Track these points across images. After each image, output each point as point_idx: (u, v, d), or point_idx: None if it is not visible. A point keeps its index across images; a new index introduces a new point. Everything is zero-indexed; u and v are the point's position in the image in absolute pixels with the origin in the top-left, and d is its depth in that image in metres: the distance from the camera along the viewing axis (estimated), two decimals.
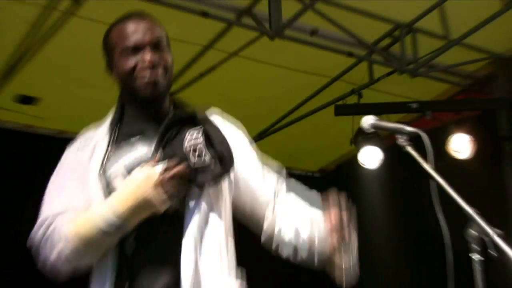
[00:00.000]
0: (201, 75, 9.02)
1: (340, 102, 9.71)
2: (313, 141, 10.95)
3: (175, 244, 3.15)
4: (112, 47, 3.41)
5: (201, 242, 3.19)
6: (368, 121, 3.83)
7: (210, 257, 3.21)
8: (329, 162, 11.98)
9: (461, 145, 9.46)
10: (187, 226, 3.17)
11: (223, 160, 3.24)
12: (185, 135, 3.23)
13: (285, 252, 3.52)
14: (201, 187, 3.19)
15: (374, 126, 3.85)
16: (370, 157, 9.65)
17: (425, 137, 3.67)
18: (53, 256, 3.11)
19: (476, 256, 3.22)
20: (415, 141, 3.75)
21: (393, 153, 9.17)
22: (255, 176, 3.62)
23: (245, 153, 3.68)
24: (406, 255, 10.20)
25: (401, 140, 3.71)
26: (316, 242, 3.42)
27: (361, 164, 9.76)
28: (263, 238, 3.59)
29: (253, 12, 8.08)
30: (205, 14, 7.66)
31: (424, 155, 3.65)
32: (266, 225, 3.59)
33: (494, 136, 9.75)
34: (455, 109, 9.85)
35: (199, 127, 3.27)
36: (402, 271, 10.18)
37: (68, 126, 9.64)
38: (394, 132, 3.77)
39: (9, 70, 8.46)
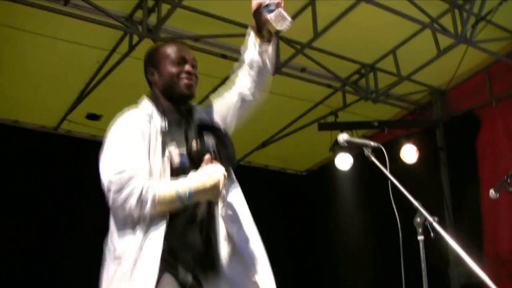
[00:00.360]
0: None
1: (322, 121, 9.63)
2: (301, 148, 10.77)
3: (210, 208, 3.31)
4: (162, 57, 3.47)
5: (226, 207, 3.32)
6: (343, 137, 3.82)
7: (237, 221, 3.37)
8: (314, 164, 11.75)
9: (409, 153, 9.29)
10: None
11: (231, 157, 3.37)
12: (204, 136, 3.32)
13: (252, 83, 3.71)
14: None
15: (347, 142, 3.84)
16: (344, 161, 9.49)
17: (383, 150, 3.66)
18: (135, 205, 3.01)
19: (420, 237, 3.21)
20: (376, 152, 3.74)
21: (360, 159, 9.09)
22: (223, 101, 3.70)
23: (216, 103, 3.69)
24: (369, 236, 10.02)
25: (367, 152, 3.70)
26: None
27: (337, 167, 9.62)
28: (244, 99, 3.71)
29: None
30: (224, 56, 7.67)
31: (383, 163, 3.62)
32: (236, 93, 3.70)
33: (433, 147, 9.69)
34: (405, 126, 9.77)
35: (211, 132, 3.36)
36: (366, 251, 10.03)
37: None
38: (362, 146, 3.76)
39: (82, 95, 8.43)
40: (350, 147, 9.31)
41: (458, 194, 9.22)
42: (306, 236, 11.14)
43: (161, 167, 3.19)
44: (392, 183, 3.59)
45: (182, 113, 3.44)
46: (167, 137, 3.27)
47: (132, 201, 3.01)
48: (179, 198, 3.05)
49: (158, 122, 3.32)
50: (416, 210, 3.31)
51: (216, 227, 3.30)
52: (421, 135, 9.64)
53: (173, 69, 3.43)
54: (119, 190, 3.05)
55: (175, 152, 3.25)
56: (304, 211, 11.15)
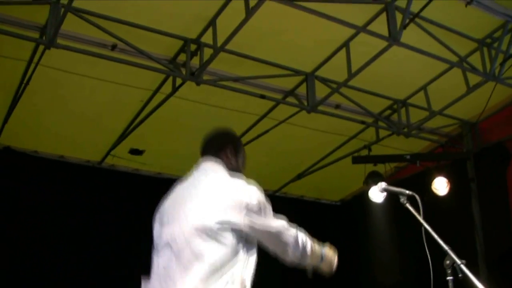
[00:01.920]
0: (259, 136, 9.25)
1: (355, 154, 9.90)
2: (336, 180, 11.04)
3: None
4: (243, 150, 4.14)
5: None
6: (382, 186, 4.17)
7: None
8: (347, 194, 11.99)
9: (440, 185, 9.49)
10: None
11: None
12: None
13: None
14: None
15: (385, 189, 4.18)
16: (377, 194, 9.54)
17: (418, 197, 3.98)
18: (300, 253, 3.82)
19: (449, 278, 3.51)
20: (411, 199, 4.06)
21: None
22: None
23: None
24: (397, 271, 10.17)
25: (402, 199, 4.03)
26: None
27: (370, 199, 9.79)
28: None
29: (296, 93, 8.45)
30: (262, 97, 8.05)
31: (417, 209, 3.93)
32: None
33: (464, 179, 9.88)
34: (436, 159, 9.99)
35: None
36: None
37: (163, 169, 10.08)
38: (398, 194, 4.09)
39: (125, 132, 8.83)
40: (383, 179, 9.58)
41: (489, 225, 9.35)
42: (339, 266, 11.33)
43: None
44: (425, 229, 3.79)
45: None
46: None
47: (296, 243, 3.75)
48: (320, 256, 3.99)
49: None
50: (445, 253, 3.54)
51: None
52: (452, 167, 9.85)
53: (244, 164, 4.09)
54: (291, 233, 3.73)
55: None
56: (338, 241, 11.34)
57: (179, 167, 9.87)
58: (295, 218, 10.65)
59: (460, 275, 3.46)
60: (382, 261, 10.44)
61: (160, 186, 9.73)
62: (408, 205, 4.01)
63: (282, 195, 11.35)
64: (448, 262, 3.52)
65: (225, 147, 4.02)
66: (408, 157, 9.59)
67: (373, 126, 9.46)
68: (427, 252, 3.79)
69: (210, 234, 3.45)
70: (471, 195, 9.85)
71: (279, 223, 3.69)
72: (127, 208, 9.45)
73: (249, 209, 3.52)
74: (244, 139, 9.24)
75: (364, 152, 9.86)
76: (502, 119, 9.70)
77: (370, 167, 9.83)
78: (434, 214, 9.61)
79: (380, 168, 9.92)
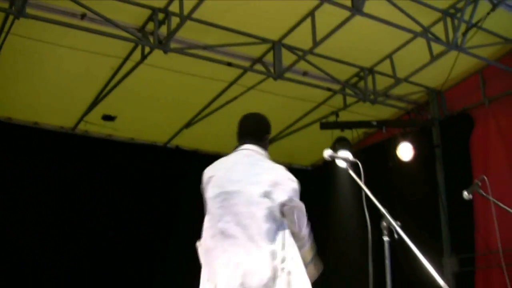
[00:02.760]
0: (228, 102, 9.47)
1: (323, 120, 10.17)
2: (306, 145, 11.27)
3: None
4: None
5: None
6: (327, 153, 4.43)
7: None
8: (318, 159, 12.24)
9: (405, 151, 9.77)
10: None
11: None
12: None
13: None
14: None
15: (331, 156, 4.44)
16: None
17: (360, 164, 4.24)
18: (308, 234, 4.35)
19: (385, 238, 3.78)
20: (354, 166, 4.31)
21: (359, 157, 9.53)
22: None
23: None
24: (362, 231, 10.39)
25: (346, 165, 4.30)
26: None
27: (337, 164, 9.90)
28: None
29: (263, 61, 8.64)
30: (229, 64, 8.25)
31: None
32: None
33: (429, 145, 10.18)
34: (402, 125, 10.23)
35: None
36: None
37: (136, 135, 10.30)
38: (343, 160, 4.36)
39: (97, 99, 9.01)
40: (349, 145, 9.85)
41: (453, 189, 9.60)
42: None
43: None
44: (365, 193, 4.08)
45: None
46: None
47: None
48: (311, 257, 4.36)
49: None
50: (383, 215, 3.80)
51: None
52: (418, 133, 10.13)
53: None
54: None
55: None
56: (310, 205, 11.61)
57: (151, 133, 10.21)
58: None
59: (396, 236, 3.72)
60: (347, 226, 10.64)
61: (133, 151, 10.06)
62: (350, 171, 4.24)
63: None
64: (385, 224, 3.79)
65: (265, 136, 4.67)
66: (374, 123, 9.87)
67: (340, 93, 9.69)
68: (366, 216, 4.02)
69: (270, 208, 4.06)
70: (435, 160, 10.18)
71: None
72: (101, 173, 9.68)
73: (297, 194, 4.26)
74: (213, 106, 9.50)
75: (332, 118, 10.11)
76: (467, 87, 10.02)
77: (338, 133, 10.06)
78: (399, 178, 9.98)
79: (348, 134, 10.16)
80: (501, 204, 5.86)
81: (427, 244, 9.57)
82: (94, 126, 9.70)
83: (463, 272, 9.61)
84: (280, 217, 4.10)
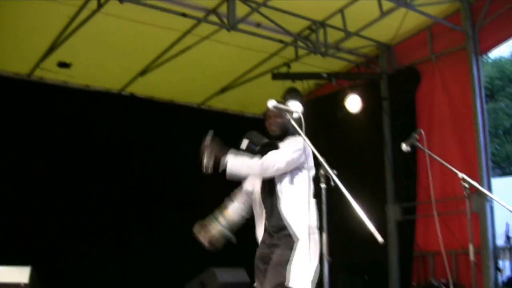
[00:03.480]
0: (182, 51, 9.61)
1: (275, 71, 10.40)
2: (258, 95, 11.44)
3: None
4: None
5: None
6: (272, 103, 4.72)
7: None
8: None
9: (353, 103, 10.10)
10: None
11: None
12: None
13: None
14: None
15: (275, 107, 4.73)
16: (294, 108, 10.00)
17: (302, 116, 4.54)
18: None
19: (322, 185, 4.12)
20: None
21: (310, 107, 9.84)
22: None
23: None
24: None
25: (289, 116, 4.60)
26: None
27: None
28: None
29: (217, 11, 8.83)
30: (183, 15, 8.43)
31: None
32: None
33: (377, 98, 10.56)
34: (351, 78, 10.51)
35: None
36: None
37: (91, 82, 10.45)
38: (285, 111, 4.66)
39: (53, 46, 9.07)
40: (299, 95, 10.14)
41: (398, 141, 9.94)
42: None
43: None
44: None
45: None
46: None
47: None
48: None
49: None
50: (320, 164, 4.13)
51: None
52: (367, 86, 10.44)
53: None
54: None
55: None
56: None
57: (106, 80, 10.38)
58: (219, 131, 11.31)
59: (332, 184, 4.06)
60: None
61: (88, 98, 10.24)
62: (293, 122, 4.53)
63: (206, 108, 11.87)
64: (322, 172, 4.12)
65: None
66: (325, 75, 10.17)
67: (292, 46, 9.94)
68: (319, 158, 4.33)
69: None
70: (382, 113, 10.59)
71: None
72: (55, 119, 9.84)
73: None
74: (168, 55, 9.69)
75: (284, 69, 10.34)
76: (415, 43, 10.40)
77: (289, 83, 10.32)
78: (347, 129, 10.36)
79: (299, 85, 10.44)
80: (435, 156, 6.23)
81: (372, 192, 10.18)
82: (50, 73, 9.75)
83: (405, 219, 10.11)
84: None
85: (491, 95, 22.25)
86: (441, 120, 9.87)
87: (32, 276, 6.62)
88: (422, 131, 6.08)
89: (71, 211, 9.80)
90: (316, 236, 4.61)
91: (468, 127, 9.41)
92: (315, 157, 4.47)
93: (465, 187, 5.75)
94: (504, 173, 22.85)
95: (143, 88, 10.78)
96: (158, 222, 10.67)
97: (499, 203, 6.23)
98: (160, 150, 10.98)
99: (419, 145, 6.06)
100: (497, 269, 8.76)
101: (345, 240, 7.41)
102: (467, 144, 9.45)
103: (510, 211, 6.85)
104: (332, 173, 4.04)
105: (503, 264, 8.79)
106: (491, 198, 8.97)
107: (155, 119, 10.91)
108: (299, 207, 4.70)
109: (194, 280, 7.58)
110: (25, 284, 6.50)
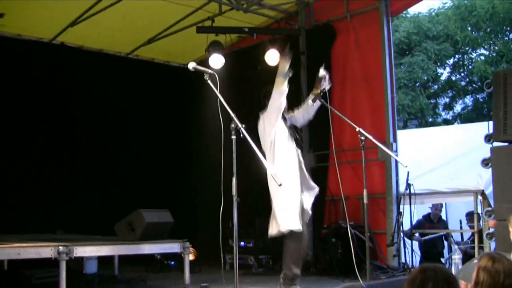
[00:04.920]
0: (112, 4, 10.04)
1: (200, 24, 10.89)
2: (184, 47, 12.11)
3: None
4: None
5: None
6: (192, 65, 5.35)
7: None
8: (195, 59, 12.85)
9: (272, 57, 10.69)
10: None
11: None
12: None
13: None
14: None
15: (194, 68, 5.36)
16: (216, 61, 10.35)
17: (217, 76, 5.17)
18: None
19: (233, 137, 4.79)
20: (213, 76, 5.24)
21: (231, 58, 10.43)
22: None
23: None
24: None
25: (206, 76, 5.24)
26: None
27: (210, 65, 10.36)
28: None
29: None
30: None
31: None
32: None
33: (295, 52, 11.08)
34: (271, 33, 11.15)
35: None
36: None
37: (23, 31, 10.80)
38: (204, 72, 5.29)
39: None
40: (222, 48, 10.70)
41: None
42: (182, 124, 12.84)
43: None
44: (220, 102, 5.04)
45: None
46: None
47: None
48: None
49: None
50: (232, 118, 4.80)
51: None
52: (286, 41, 10.76)
53: None
54: None
55: None
56: (185, 103, 12.61)
57: (38, 30, 10.73)
58: (147, 79, 11.94)
59: (241, 135, 4.75)
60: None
61: (19, 47, 10.59)
62: (209, 81, 5.17)
63: (135, 57, 12.38)
64: (233, 125, 4.79)
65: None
66: (246, 30, 10.77)
67: (215, 2, 10.48)
68: (221, 120, 5.01)
69: None
70: (300, 66, 11.25)
71: None
72: None
73: None
74: (98, 7, 10.10)
75: (208, 23, 10.82)
76: (332, 1, 11.12)
77: (212, 37, 10.88)
78: (266, 80, 11.08)
79: (222, 38, 11.00)
80: (336, 111, 7.04)
81: None
82: None
83: (319, 166, 10.95)
84: None
85: (408, 50, 23.15)
86: (354, 75, 10.65)
87: None
88: (327, 90, 6.85)
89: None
90: None
91: (378, 83, 10.21)
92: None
93: (361, 139, 6.48)
94: (420, 124, 23.97)
95: (73, 38, 11.18)
96: (89, 167, 11.29)
97: (389, 153, 7.10)
98: (90, 96, 11.49)
99: (324, 102, 6.82)
100: (399, 212, 9.67)
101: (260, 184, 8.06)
102: (376, 98, 10.27)
103: (398, 161, 7.72)
104: (242, 127, 4.72)
105: (403, 208, 9.62)
106: (396, 148, 9.93)
107: (85, 68, 11.36)
108: None
109: (122, 220, 8.16)
110: None
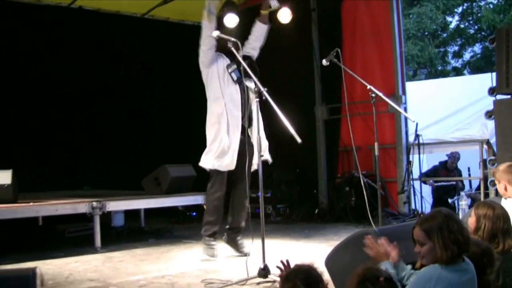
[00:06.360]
0: None
1: None
2: (198, 4, 12.35)
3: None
4: None
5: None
6: (216, 33, 5.86)
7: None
8: None
9: (285, 15, 11.10)
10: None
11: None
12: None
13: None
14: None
15: (218, 36, 5.90)
16: (231, 20, 10.79)
17: (240, 44, 5.67)
18: None
19: (256, 99, 5.29)
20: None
21: (245, 15, 10.86)
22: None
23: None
24: None
25: (230, 45, 5.72)
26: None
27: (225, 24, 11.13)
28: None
29: None
30: None
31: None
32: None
33: (306, 9, 11.66)
34: None
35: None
36: None
37: None
38: (227, 41, 5.77)
39: None
40: (236, 7, 11.10)
41: (325, 49, 10.64)
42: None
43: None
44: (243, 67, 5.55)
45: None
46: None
47: None
48: None
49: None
50: (254, 81, 5.29)
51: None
52: None
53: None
54: None
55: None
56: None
57: None
58: (162, 38, 12.28)
59: (264, 98, 5.25)
60: None
61: (39, 11, 10.99)
62: (233, 49, 5.66)
63: (150, 17, 12.77)
64: (255, 88, 5.29)
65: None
66: None
67: None
68: (244, 85, 5.50)
69: None
70: (311, 23, 11.73)
71: None
72: (8, 32, 10.70)
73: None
74: None
75: None
76: None
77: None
78: (279, 38, 11.55)
79: None
80: (349, 71, 7.49)
81: (303, 95, 11.46)
82: None
83: (331, 119, 11.50)
84: None
85: (417, 0, 23.37)
86: (363, 30, 11.09)
87: (13, 178, 7.59)
88: (339, 50, 7.29)
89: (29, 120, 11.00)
90: None
91: (386, 37, 10.66)
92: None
93: (371, 96, 6.96)
94: (430, 73, 24.29)
95: (90, 1, 11.60)
96: (111, 124, 11.89)
97: (399, 110, 7.61)
98: (109, 57, 11.97)
99: (337, 61, 7.29)
100: (408, 162, 10.22)
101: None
102: (386, 52, 10.73)
103: (407, 117, 8.21)
104: (264, 90, 5.22)
105: (412, 157, 10.16)
106: (405, 100, 10.42)
107: (102, 30, 11.84)
108: None
109: (149, 176, 8.74)
110: (8, 185, 7.49)
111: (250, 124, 6.81)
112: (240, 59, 5.68)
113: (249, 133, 6.76)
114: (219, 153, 6.69)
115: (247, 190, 6.51)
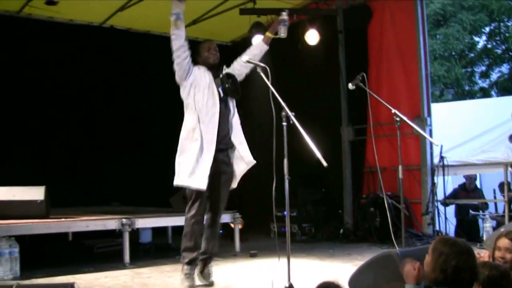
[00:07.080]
0: None
1: (242, 6, 11.58)
2: (226, 26, 12.85)
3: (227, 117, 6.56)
4: (202, 49, 6.89)
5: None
6: (245, 58, 6.08)
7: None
8: (236, 37, 13.92)
9: (312, 37, 11.35)
10: (230, 112, 6.61)
11: (238, 91, 6.68)
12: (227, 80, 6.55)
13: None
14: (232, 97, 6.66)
15: (248, 61, 6.10)
16: (258, 39, 11.15)
17: (266, 68, 5.86)
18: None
19: (284, 124, 5.45)
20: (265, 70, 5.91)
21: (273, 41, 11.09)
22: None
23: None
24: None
25: (259, 70, 5.91)
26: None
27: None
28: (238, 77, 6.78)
29: None
30: None
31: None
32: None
33: (333, 31, 11.93)
34: (310, 13, 11.74)
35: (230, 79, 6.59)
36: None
37: (75, 17, 11.62)
38: (256, 65, 5.97)
39: None
40: (263, 29, 11.33)
41: (352, 70, 11.18)
42: None
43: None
44: (272, 93, 5.71)
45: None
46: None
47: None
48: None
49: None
50: (282, 106, 5.46)
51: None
52: (324, 21, 11.67)
53: (206, 53, 6.80)
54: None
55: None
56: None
57: (88, 15, 11.49)
58: (191, 57, 12.46)
59: (291, 122, 5.41)
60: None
61: (72, 31, 11.37)
62: (261, 73, 5.84)
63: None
64: (283, 113, 5.46)
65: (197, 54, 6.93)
66: (286, 11, 11.32)
67: None
68: (272, 108, 5.66)
69: None
70: (338, 44, 11.95)
71: None
72: (43, 51, 11.10)
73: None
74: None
75: (250, 5, 11.53)
76: None
77: (254, 18, 11.55)
78: (307, 59, 11.72)
79: (264, 18, 11.66)
80: (374, 95, 7.67)
81: (329, 116, 11.62)
82: (38, 10, 10.81)
83: (357, 139, 11.70)
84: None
85: (443, 20, 23.39)
86: (389, 52, 11.26)
87: (46, 194, 7.84)
88: (364, 74, 7.48)
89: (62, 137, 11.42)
90: None
91: (412, 59, 10.82)
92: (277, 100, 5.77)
93: (396, 120, 7.12)
94: (457, 93, 24.30)
95: (122, 21, 11.93)
96: (145, 142, 12.36)
97: (423, 135, 7.75)
98: (136, 74, 12.42)
99: (362, 85, 7.47)
100: (433, 183, 10.34)
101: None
102: (411, 74, 10.89)
103: (431, 141, 8.35)
104: (291, 115, 5.39)
105: (437, 179, 10.27)
106: (430, 122, 10.54)
107: (132, 47, 12.18)
108: None
109: (177, 194, 8.91)
110: (41, 201, 7.75)
111: (231, 145, 6.61)
112: (269, 85, 5.78)
113: (230, 153, 6.65)
114: (190, 170, 6.27)
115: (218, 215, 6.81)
